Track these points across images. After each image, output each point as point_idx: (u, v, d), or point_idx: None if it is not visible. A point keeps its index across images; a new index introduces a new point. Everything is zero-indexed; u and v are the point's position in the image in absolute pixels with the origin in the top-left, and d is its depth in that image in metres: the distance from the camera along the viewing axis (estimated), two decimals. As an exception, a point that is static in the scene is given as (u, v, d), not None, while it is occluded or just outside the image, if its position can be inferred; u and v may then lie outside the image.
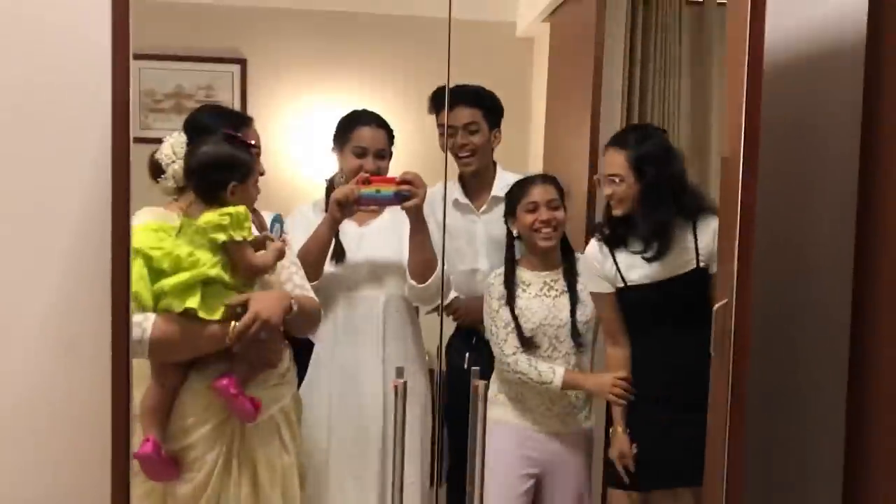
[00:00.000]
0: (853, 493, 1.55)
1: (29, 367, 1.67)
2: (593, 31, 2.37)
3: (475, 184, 2.36)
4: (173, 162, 1.69)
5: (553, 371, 2.01)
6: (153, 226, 1.61)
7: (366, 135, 2.06)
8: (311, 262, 1.92)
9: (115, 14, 1.40)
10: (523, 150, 2.68)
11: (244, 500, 1.62)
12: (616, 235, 1.97)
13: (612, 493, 2.03)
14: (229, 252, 1.58)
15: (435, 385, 2.11)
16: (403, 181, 1.92)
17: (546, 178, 2.11)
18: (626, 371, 1.96)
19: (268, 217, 1.85)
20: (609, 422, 2.04)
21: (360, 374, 2.01)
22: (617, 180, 1.91)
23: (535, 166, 2.65)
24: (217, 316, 1.56)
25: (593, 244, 2.02)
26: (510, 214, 2.11)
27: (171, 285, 1.54)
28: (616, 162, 1.92)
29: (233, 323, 1.56)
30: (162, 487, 1.62)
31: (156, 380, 1.61)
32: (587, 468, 2.14)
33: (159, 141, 1.76)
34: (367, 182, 1.93)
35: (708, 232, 1.89)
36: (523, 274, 2.10)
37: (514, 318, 2.05)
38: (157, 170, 1.72)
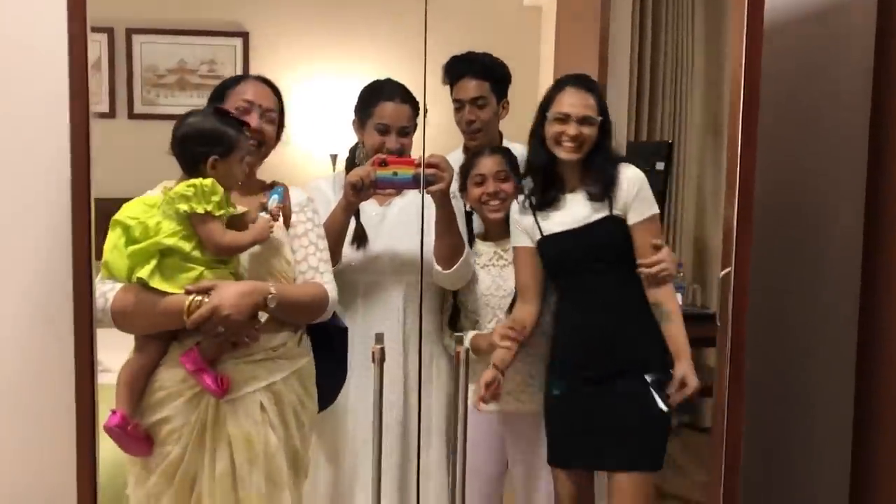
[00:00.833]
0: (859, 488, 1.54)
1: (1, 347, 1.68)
2: (600, -2, 2.31)
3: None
4: None
5: (464, 338, 1.97)
6: (150, 200, 1.59)
7: (389, 111, 1.96)
8: (328, 247, 1.86)
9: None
10: (530, 120, 2.63)
11: (220, 478, 1.58)
12: (546, 199, 1.92)
13: (554, 470, 1.98)
14: (194, 225, 1.54)
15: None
16: (428, 165, 1.85)
17: (496, 150, 2.06)
18: (523, 321, 1.90)
19: (297, 193, 1.79)
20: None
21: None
22: (587, 121, 1.85)
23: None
24: (174, 289, 1.52)
25: (517, 201, 1.98)
26: (462, 189, 2.05)
27: (130, 253, 1.51)
28: (587, 103, 1.86)
29: (189, 299, 1.52)
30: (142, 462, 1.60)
31: (136, 351, 1.59)
32: None
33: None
34: (383, 164, 1.85)
35: (627, 182, 1.86)
36: (478, 246, 2.07)
37: (454, 295, 2.04)
38: None
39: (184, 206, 1.51)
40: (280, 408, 1.65)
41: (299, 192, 1.80)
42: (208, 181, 1.53)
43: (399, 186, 1.89)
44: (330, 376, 1.81)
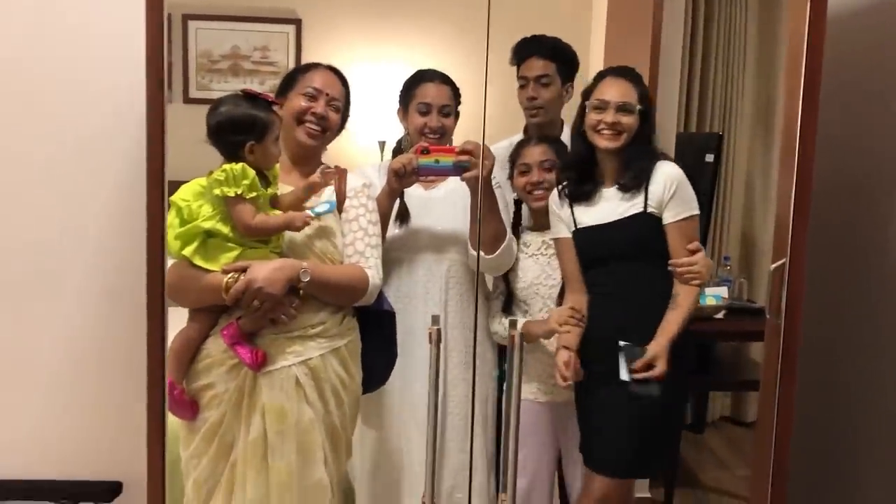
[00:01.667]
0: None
1: (73, 318, 1.76)
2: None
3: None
4: None
5: (516, 326, 1.96)
6: (203, 182, 1.65)
7: (430, 91, 2.01)
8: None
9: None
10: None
11: (251, 444, 1.65)
12: (582, 191, 1.91)
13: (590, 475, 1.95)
14: (228, 207, 1.61)
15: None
16: (463, 151, 1.88)
17: (542, 139, 2.04)
18: (581, 310, 1.89)
19: (355, 178, 1.84)
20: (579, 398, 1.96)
21: (422, 338, 1.97)
22: (627, 110, 1.84)
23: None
24: (216, 267, 1.61)
25: (556, 191, 1.97)
26: (510, 177, 2.06)
27: (178, 234, 1.60)
28: (628, 92, 1.85)
29: (228, 276, 1.59)
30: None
31: (188, 322, 1.67)
32: None
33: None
34: (425, 151, 1.88)
35: (664, 179, 1.83)
36: (526, 236, 2.08)
37: (507, 283, 2.04)
38: None
39: (217, 191, 1.59)
40: (318, 384, 1.69)
41: (356, 177, 1.84)
42: (238, 166, 1.59)
43: (440, 173, 1.92)
44: (378, 359, 1.85)
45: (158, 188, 1.48)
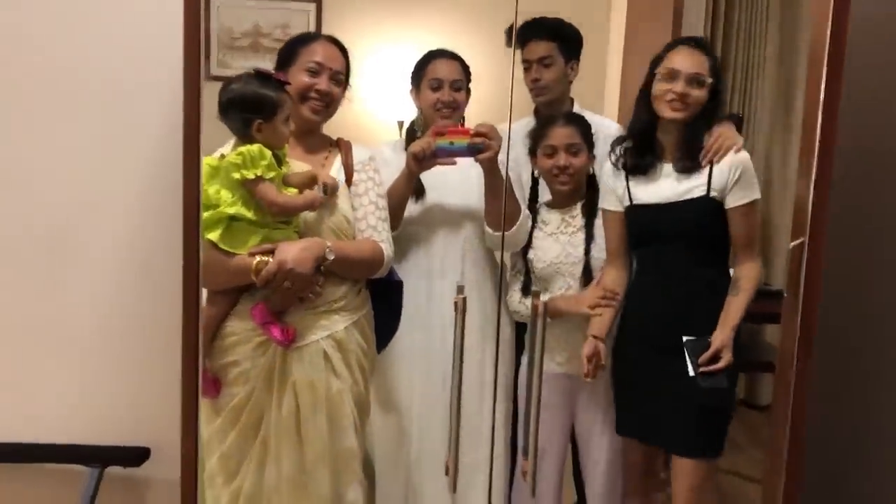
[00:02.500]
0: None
1: (106, 286, 1.79)
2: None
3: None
4: None
5: (539, 297, 1.97)
6: (212, 162, 1.67)
7: (440, 66, 2.04)
8: (390, 213, 1.94)
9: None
10: (600, 83, 2.61)
11: (285, 420, 1.69)
12: (638, 164, 1.86)
13: (624, 439, 1.99)
14: (249, 189, 1.62)
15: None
16: (477, 133, 1.90)
17: (570, 120, 2.01)
18: (613, 287, 1.89)
19: (361, 151, 1.85)
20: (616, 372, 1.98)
21: (440, 313, 2.03)
22: (698, 82, 1.78)
23: (612, 100, 2.59)
24: (242, 251, 1.63)
25: (608, 161, 1.95)
26: (532, 154, 2.05)
27: (204, 219, 1.63)
28: (700, 63, 1.79)
29: (257, 259, 1.61)
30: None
31: (207, 303, 1.70)
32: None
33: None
34: (441, 134, 1.92)
35: (728, 164, 1.78)
36: (544, 214, 2.07)
37: (525, 262, 2.04)
38: None
39: (236, 175, 1.60)
40: (344, 355, 1.74)
41: (362, 149, 1.86)
42: (255, 147, 1.61)
43: (455, 155, 1.94)
44: (384, 326, 1.90)
45: (195, 160, 1.50)
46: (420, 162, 1.91)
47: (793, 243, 1.52)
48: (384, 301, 1.89)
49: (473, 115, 2.12)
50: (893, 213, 1.96)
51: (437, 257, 2.05)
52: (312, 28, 2.64)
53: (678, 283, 1.85)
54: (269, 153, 1.63)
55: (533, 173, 2.12)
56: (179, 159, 1.51)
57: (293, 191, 1.70)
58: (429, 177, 2.01)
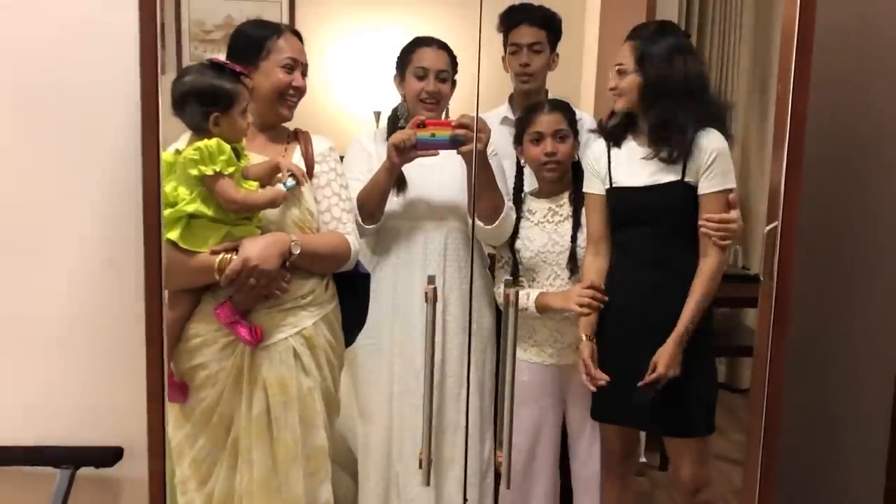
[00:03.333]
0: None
1: (71, 284, 1.76)
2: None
3: (525, 105, 2.30)
4: None
5: (527, 296, 1.98)
6: (168, 157, 1.62)
7: (427, 55, 2.01)
8: (371, 206, 1.92)
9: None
10: (576, 75, 2.61)
11: (255, 420, 1.65)
12: (614, 131, 1.90)
13: (602, 424, 2.01)
14: (208, 185, 1.57)
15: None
16: (459, 125, 1.88)
17: (555, 106, 2.01)
18: (599, 281, 1.90)
19: (320, 142, 1.82)
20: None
21: (421, 305, 1.98)
22: (620, 72, 1.83)
23: (587, 93, 2.59)
24: (204, 248, 1.59)
25: (596, 142, 1.96)
26: (517, 142, 2.04)
27: (163, 218, 1.58)
28: (623, 53, 1.83)
29: (220, 257, 1.58)
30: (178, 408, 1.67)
31: (168, 306, 1.64)
32: None
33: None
34: (422, 126, 1.89)
35: (703, 150, 1.78)
36: (531, 203, 2.07)
37: (513, 252, 2.03)
38: None
39: (194, 171, 1.55)
40: (313, 352, 1.71)
41: (322, 140, 1.82)
42: (213, 142, 1.56)
43: (437, 147, 1.91)
44: (351, 320, 1.86)
45: (154, 156, 1.47)
46: (401, 153, 1.89)
47: (767, 227, 1.53)
48: (351, 295, 1.85)
49: (454, 104, 2.09)
50: (869, 197, 1.97)
51: (419, 251, 2.03)
52: (286, 19, 2.62)
53: (655, 268, 1.86)
54: (227, 147, 1.58)
55: (518, 162, 2.10)
56: (139, 154, 1.48)
57: (253, 185, 1.65)
58: (410, 170, 1.99)
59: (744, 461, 2.00)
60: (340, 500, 1.86)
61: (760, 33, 3.36)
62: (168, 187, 1.58)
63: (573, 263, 1.99)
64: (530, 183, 2.12)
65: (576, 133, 2.01)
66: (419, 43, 2.03)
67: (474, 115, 1.90)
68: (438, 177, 2.02)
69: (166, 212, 1.57)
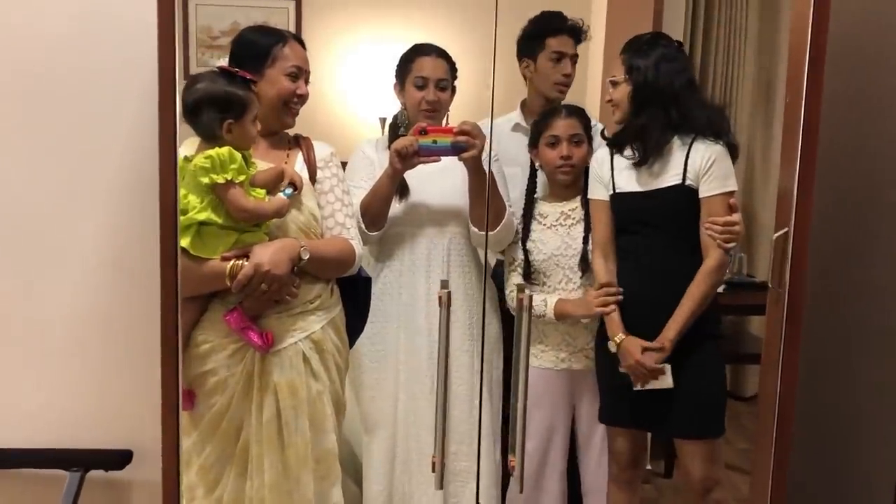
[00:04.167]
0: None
1: (84, 286, 1.76)
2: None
3: (537, 110, 2.31)
4: None
5: (545, 302, 2.00)
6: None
7: (426, 64, 2.01)
8: (374, 213, 1.93)
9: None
10: (582, 83, 2.62)
11: (266, 425, 1.65)
12: (616, 139, 1.93)
13: (609, 428, 2.01)
14: (218, 193, 1.58)
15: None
16: (461, 132, 1.88)
17: (571, 111, 2.03)
18: (611, 280, 1.92)
19: (322, 147, 1.83)
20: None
21: (426, 313, 2.01)
22: (613, 83, 1.89)
23: (593, 101, 2.60)
24: (214, 255, 1.59)
25: (600, 149, 1.99)
26: (533, 146, 2.06)
27: None
28: (616, 66, 1.89)
29: (231, 263, 1.58)
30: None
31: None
32: None
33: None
34: (423, 132, 1.89)
35: (702, 153, 1.82)
36: (542, 207, 2.08)
37: (525, 253, 2.05)
38: None
39: (205, 179, 1.55)
40: (322, 356, 1.71)
41: (323, 146, 1.82)
42: (224, 150, 1.56)
43: (439, 154, 1.92)
44: (353, 323, 1.86)
45: (171, 162, 1.46)
46: (403, 160, 1.89)
47: (776, 234, 1.53)
48: (352, 299, 1.85)
49: (455, 110, 2.11)
50: (880, 203, 1.97)
51: (423, 257, 2.03)
52: (293, 25, 2.63)
53: (659, 270, 1.88)
54: (238, 156, 1.58)
55: (532, 165, 2.11)
56: (156, 158, 1.48)
57: (261, 192, 1.66)
58: (413, 176, 1.99)
59: (751, 470, 2.00)
60: (346, 506, 1.86)
61: (766, 38, 3.37)
62: (179, 194, 1.58)
63: (585, 264, 2.01)
64: (541, 187, 2.13)
65: (590, 139, 2.03)
66: (418, 52, 2.03)
67: (475, 121, 1.92)
68: (440, 183, 2.03)
69: (179, 218, 1.57)
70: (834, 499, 2.08)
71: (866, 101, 2.00)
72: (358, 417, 2.08)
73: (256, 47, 1.72)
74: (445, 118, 2.07)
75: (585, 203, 2.02)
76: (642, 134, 1.85)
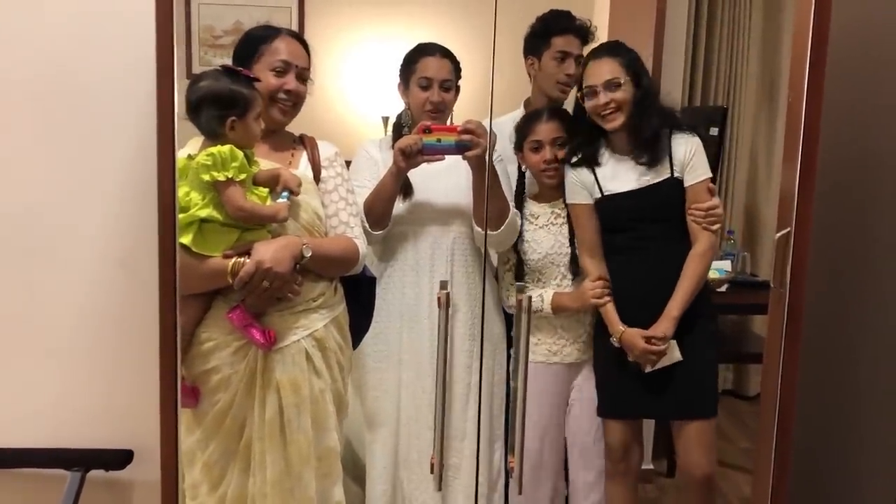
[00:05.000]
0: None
1: (83, 285, 1.77)
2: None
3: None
4: None
5: (541, 298, 2.01)
6: (180, 163, 1.60)
7: (431, 64, 1.98)
8: (378, 212, 1.91)
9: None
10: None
11: (269, 423, 1.64)
12: (588, 156, 1.96)
13: (606, 421, 2.04)
14: (219, 191, 1.57)
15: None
16: (465, 131, 1.86)
17: (553, 114, 2.03)
18: (604, 273, 1.96)
19: (326, 147, 1.83)
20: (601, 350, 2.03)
21: (429, 312, 2.00)
22: (611, 86, 1.87)
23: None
24: (216, 253, 1.58)
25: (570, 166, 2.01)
26: (518, 149, 2.06)
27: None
28: (612, 68, 1.88)
29: (232, 261, 1.57)
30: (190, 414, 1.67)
31: (178, 311, 1.61)
32: None
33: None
34: (427, 131, 1.87)
35: (681, 144, 1.90)
36: (532, 207, 2.09)
37: (517, 254, 2.06)
38: None
39: (206, 176, 1.55)
40: (324, 354, 1.70)
41: (328, 145, 1.81)
42: (226, 148, 1.55)
43: (443, 152, 1.90)
44: (357, 323, 1.85)
45: (170, 160, 1.46)
46: (407, 159, 1.88)
47: (778, 234, 1.52)
48: (356, 298, 1.84)
49: (459, 108, 2.10)
50: (882, 204, 1.97)
51: (426, 256, 2.01)
52: (295, 24, 2.63)
53: (656, 262, 1.92)
54: (240, 154, 1.57)
55: (520, 167, 2.11)
56: (155, 156, 1.48)
57: (264, 191, 1.64)
58: (417, 175, 1.98)
59: (753, 469, 2.00)
60: (348, 506, 1.86)
61: (769, 37, 3.37)
62: (180, 192, 1.57)
63: (575, 265, 2.03)
64: (531, 187, 2.13)
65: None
66: (422, 52, 2.01)
67: (480, 120, 1.90)
68: (444, 182, 2.02)
69: (178, 216, 1.56)
70: (836, 498, 2.08)
71: (868, 102, 1.99)
72: (360, 417, 2.08)
73: (246, 46, 1.72)
74: (450, 117, 2.07)
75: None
76: (655, 134, 1.89)
